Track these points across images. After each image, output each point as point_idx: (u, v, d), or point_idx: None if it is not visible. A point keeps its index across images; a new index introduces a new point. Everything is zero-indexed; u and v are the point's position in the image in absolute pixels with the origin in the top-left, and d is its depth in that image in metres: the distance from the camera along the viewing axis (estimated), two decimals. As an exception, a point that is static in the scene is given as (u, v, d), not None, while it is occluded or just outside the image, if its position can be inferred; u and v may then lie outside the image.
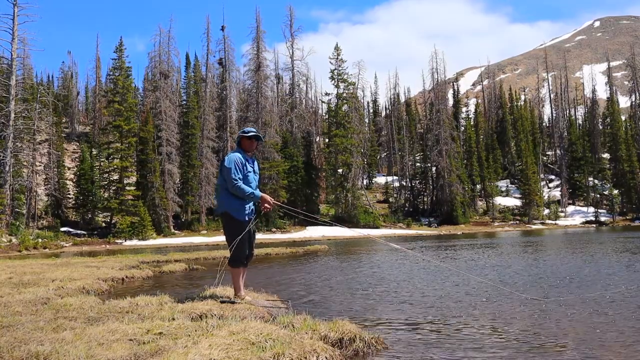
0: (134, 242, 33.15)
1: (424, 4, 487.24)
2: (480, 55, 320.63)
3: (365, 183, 60.96)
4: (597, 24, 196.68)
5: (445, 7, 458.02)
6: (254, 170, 5.54)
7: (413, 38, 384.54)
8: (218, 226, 38.89)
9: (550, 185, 64.82)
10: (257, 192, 5.37)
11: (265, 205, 5.39)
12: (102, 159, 42.93)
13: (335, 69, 48.97)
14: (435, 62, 56.73)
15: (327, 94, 52.03)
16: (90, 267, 10.58)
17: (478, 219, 53.03)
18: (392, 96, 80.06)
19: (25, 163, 36.77)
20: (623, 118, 67.19)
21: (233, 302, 5.19)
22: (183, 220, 41.53)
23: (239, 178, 5.29)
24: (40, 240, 30.32)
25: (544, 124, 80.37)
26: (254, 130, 5.68)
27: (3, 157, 32.19)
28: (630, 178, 55.63)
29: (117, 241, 33.59)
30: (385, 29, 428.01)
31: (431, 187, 55.97)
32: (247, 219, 5.42)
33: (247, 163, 5.45)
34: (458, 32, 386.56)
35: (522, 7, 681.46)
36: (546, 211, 54.76)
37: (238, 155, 5.43)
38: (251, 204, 5.50)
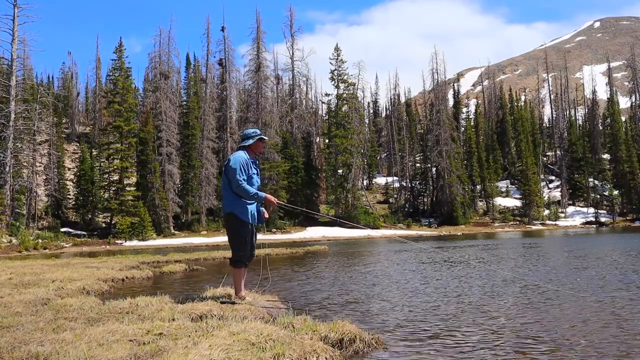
0: (134, 243, 33.14)
1: (419, 4, 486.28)
2: (477, 56, 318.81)
3: (365, 184, 60.95)
4: (597, 24, 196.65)
5: (441, 8, 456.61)
6: (257, 172, 5.55)
7: (409, 39, 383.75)
8: (218, 227, 38.91)
9: (551, 185, 64.80)
10: (261, 193, 5.37)
11: (272, 203, 5.42)
12: (102, 160, 42.91)
13: (336, 69, 48.96)
14: (435, 62, 56.74)
15: (327, 95, 52.09)
16: (90, 267, 10.58)
17: (478, 219, 53.01)
18: (392, 97, 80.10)
19: (25, 164, 36.77)
20: (623, 119, 67.17)
21: (233, 303, 5.19)
22: (183, 220, 41.51)
23: (244, 179, 5.29)
24: (40, 240, 30.31)
25: (544, 125, 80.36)
26: (260, 131, 5.74)
27: (3, 157, 32.19)
28: (631, 179, 55.60)
29: (117, 242, 33.57)
30: (381, 29, 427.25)
31: (431, 187, 55.96)
32: (250, 220, 5.41)
33: (251, 164, 5.46)
34: (454, 33, 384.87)
35: (518, 8, 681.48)
36: (546, 212, 54.73)
37: (244, 156, 5.43)
38: (255, 205, 5.49)
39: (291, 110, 52.42)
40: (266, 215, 5.58)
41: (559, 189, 61.05)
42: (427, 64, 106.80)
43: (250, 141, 5.53)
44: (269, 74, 49.81)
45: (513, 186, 62.27)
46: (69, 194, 42.56)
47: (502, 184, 62.36)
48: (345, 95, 48.83)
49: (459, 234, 41.10)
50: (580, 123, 73.47)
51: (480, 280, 8.22)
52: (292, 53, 52.26)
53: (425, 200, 56.81)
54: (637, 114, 66.17)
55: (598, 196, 58.04)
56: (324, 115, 63.61)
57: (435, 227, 47.91)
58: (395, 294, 6.93)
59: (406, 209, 54.23)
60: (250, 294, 5.85)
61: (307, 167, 47.70)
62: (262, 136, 5.66)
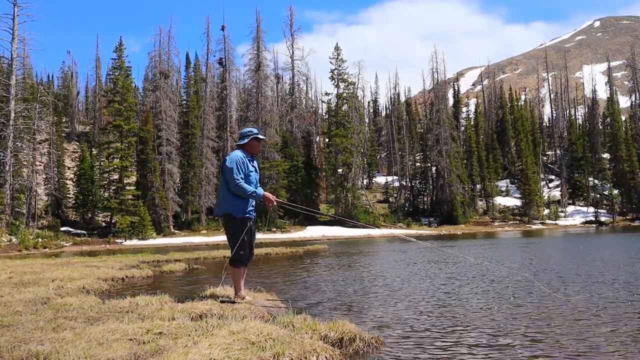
0: (134, 242, 33.15)
1: (416, 4, 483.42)
2: (477, 56, 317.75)
3: (365, 183, 60.95)
4: (597, 24, 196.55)
5: (439, 8, 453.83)
6: (255, 170, 5.55)
7: (409, 39, 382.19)
8: (218, 226, 38.90)
9: (550, 185, 64.81)
10: (259, 191, 5.36)
11: (271, 203, 5.42)
12: (102, 159, 42.94)
13: (336, 68, 48.94)
14: (435, 62, 56.74)
15: (327, 94, 52.10)
16: (90, 266, 10.58)
17: (478, 219, 53.02)
18: (392, 96, 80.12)
19: (25, 163, 36.78)
20: (623, 118, 67.20)
21: (233, 302, 5.18)
22: (183, 220, 41.52)
23: (241, 178, 5.28)
24: (40, 239, 30.33)
25: (544, 124, 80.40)
26: (258, 130, 5.72)
27: (3, 156, 32.17)
28: (630, 178, 55.61)
29: (117, 241, 33.60)
30: (380, 30, 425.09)
31: (431, 187, 55.96)
32: (248, 218, 5.41)
33: (249, 162, 5.45)
34: (454, 33, 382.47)
35: (516, 8, 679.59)
36: (546, 211, 54.74)
37: (240, 154, 5.42)
38: (252, 203, 5.48)
39: (291, 110, 52.40)
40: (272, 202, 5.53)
41: (559, 189, 61.07)
42: (427, 64, 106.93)
43: (246, 140, 5.53)
44: (269, 73, 49.84)
45: (513, 185, 62.29)
46: (69, 193, 42.57)
47: (502, 184, 62.39)
48: (345, 94, 48.82)
49: (458, 233, 41.12)
50: (580, 122, 73.46)
51: (487, 282, 8.22)
52: (292, 52, 52.30)
53: (425, 199, 56.81)
54: (637, 114, 66.16)
55: (598, 195, 58.06)
56: (324, 114, 63.61)
57: (435, 227, 47.93)
58: (395, 293, 6.93)
59: (406, 208, 54.23)
60: (250, 293, 5.85)
61: (307, 167, 47.70)
62: (258, 135, 5.59)
